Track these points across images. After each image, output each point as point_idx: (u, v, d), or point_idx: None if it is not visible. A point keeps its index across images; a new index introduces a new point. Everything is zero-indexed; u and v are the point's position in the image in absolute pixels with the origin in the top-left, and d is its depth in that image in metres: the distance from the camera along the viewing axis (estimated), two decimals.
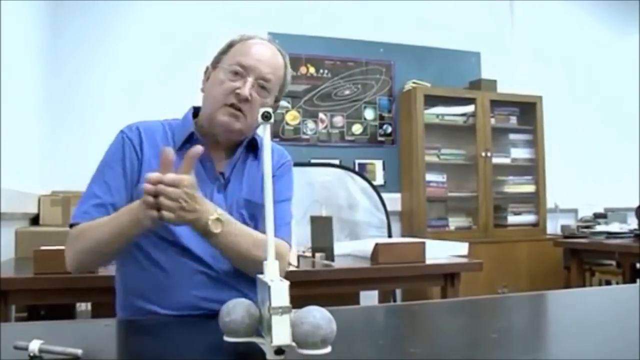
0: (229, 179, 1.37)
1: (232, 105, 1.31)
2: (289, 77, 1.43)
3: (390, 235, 3.95)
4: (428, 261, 2.32)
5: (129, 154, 1.32)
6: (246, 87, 1.30)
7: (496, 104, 4.44)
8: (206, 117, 1.36)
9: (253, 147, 1.43)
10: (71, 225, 1.28)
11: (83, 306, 2.83)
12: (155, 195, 1.07)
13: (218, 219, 1.16)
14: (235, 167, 1.39)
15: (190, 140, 1.34)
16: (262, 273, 0.88)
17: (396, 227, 4.22)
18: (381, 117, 4.34)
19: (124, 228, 1.17)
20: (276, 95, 1.39)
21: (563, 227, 4.52)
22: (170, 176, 1.07)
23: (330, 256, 2.28)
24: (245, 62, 1.32)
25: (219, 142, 1.38)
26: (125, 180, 1.30)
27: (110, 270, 1.50)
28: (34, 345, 0.83)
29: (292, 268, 2.03)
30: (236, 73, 1.32)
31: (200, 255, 1.29)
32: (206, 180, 1.34)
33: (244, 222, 1.35)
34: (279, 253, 1.37)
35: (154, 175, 1.07)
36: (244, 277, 1.30)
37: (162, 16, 3.79)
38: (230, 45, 1.38)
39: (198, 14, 3.80)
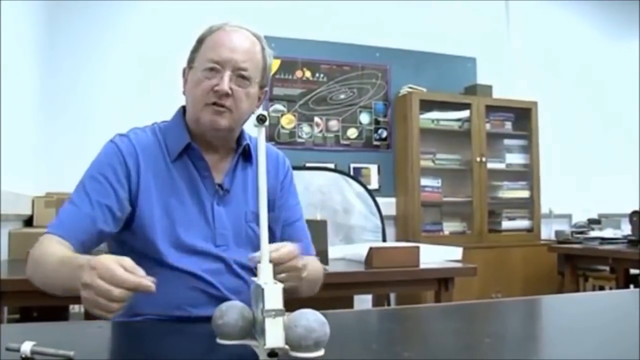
0: (228, 191, 1.32)
1: (214, 104, 1.25)
2: (268, 58, 1.36)
3: (384, 240, 3.95)
4: (422, 265, 2.33)
5: (120, 164, 1.25)
6: (224, 82, 1.24)
7: (491, 109, 4.45)
8: (192, 119, 1.31)
9: (248, 154, 1.37)
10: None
11: (76, 308, 2.82)
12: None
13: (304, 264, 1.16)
14: (234, 178, 1.34)
15: (187, 150, 1.30)
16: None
17: (391, 231, 4.22)
18: (376, 122, 4.35)
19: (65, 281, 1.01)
20: (259, 81, 1.32)
21: (557, 233, 4.53)
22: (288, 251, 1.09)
23: (324, 260, 2.27)
24: (218, 56, 1.26)
25: (214, 149, 1.33)
26: (113, 190, 1.22)
27: None
28: (26, 347, 0.83)
29: None
30: (212, 69, 1.26)
31: (194, 272, 1.24)
32: (205, 192, 1.29)
33: (256, 235, 1.30)
34: (320, 275, 1.42)
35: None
36: (244, 293, 1.24)
37: (158, 17, 3.79)
38: (200, 41, 1.32)
39: (195, 16, 3.79)
